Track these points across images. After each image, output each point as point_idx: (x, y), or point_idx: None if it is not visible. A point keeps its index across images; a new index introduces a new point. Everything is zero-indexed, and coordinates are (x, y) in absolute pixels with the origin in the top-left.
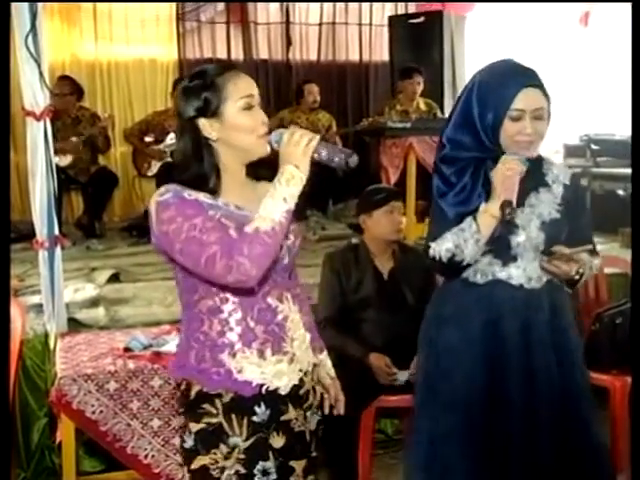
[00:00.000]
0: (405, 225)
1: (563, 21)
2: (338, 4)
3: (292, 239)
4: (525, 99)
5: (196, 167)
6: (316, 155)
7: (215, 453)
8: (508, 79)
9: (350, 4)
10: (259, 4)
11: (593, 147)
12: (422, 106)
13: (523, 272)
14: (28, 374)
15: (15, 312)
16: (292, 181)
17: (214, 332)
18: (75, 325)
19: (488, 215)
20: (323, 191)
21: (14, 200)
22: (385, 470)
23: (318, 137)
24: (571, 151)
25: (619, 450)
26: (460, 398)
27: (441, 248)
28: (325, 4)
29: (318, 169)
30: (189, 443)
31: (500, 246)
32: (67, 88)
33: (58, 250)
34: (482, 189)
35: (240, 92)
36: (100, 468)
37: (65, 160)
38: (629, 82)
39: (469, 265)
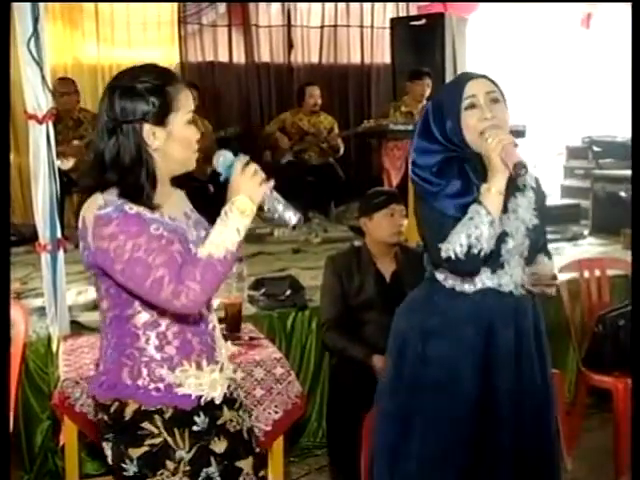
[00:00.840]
0: (407, 227)
1: (565, 23)
2: (340, 6)
3: None
4: (474, 86)
5: (134, 175)
6: (267, 200)
7: (162, 473)
8: (455, 82)
9: (352, 6)
10: (260, 7)
11: (595, 149)
12: None
13: (510, 279)
14: (31, 377)
15: (18, 315)
16: (246, 213)
17: (151, 347)
18: (78, 328)
19: (494, 193)
20: (325, 194)
21: (16, 203)
22: None
23: (272, 182)
24: (573, 153)
25: (622, 452)
26: (455, 411)
27: (454, 246)
28: (327, 6)
29: (320, 172)
30: (132, 470)
31: (490, 253)
32: (71, 87)
33: (61, 253)
34: (472, 184)
35: (188, 105)
36: (103, 471)
37: (67, 163)
38: (630, 84)
39: (486, 257)
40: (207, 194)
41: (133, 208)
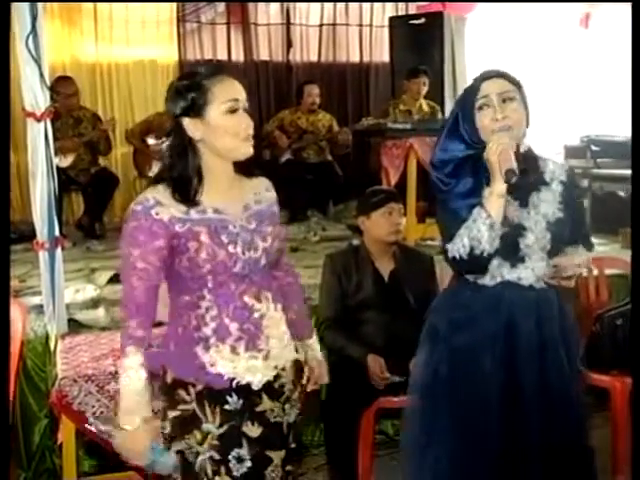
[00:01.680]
0: (405, 226)
1: (564, 23)
2: (339, 5)
3: (269, 241)
4: (488, 87)
5: (180, 167)
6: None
7: (189, 439)
8: (472, 82)
9: (351, 5)
10: (259, 5)
11: (593, 148)
12: (425, 107)
13: (532, 272)
14: (29, 375)
15: (16, 313)
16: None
17: (191, 326)
18: (76, 326)
19: (494, 196)
20: (324, 192)
21: (15, 201)
22: (386, 471)
23: None
24: (571, 152)
25: (619, 451)
26: (479, 401)
27: (458, 246)
28: (326, 5)
29: (319, 171)
30: (167, 429)
31: (508, 248)
32: (72, 87)
33: (59, 251)
34: (486, 184)
35: (225, 95)
36: (100, 469)
37: (66, 161)
38: (629, 84)
39: (490, 256)
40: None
41: (160, 213)
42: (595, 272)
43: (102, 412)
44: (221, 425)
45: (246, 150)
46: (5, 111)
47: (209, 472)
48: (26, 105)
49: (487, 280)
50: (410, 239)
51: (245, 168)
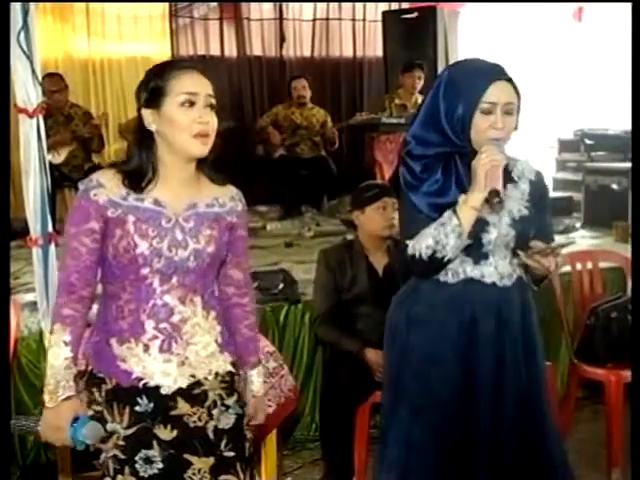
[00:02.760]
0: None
1: (557, 16)
2: None
3: (202, 244)
4: (497, 92)
5: (136, 157)
6: None
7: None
8: (478, 73)
9: None
10: None
11: (587, 142)
12: (420, 102)
13: (495, 270)
14: (23, 372)
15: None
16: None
17: (110, 316)
18: None
19: (469, 207)
20: (318, 187)
21: None
22: None
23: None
24: (565, 146)
25: (614, 444)
26: (435, 399)
27: (421, 246)
28: None
29: (313, 166)
30: None
31: (471, 244)
32: (61, 84)
33: (52, 248)
34: (455, 183)
35: (182, 88)
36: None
37: (59, 158)
38: (623, 77)
39: (449, 261)
40: None
41: (97, 194)
42: (589, 265)
43: None
44: (129, 426)
45: (197, 149)
46: (5, 113)
47: (111, 471)
48: (18, 101)
49: (449, 277)
50: None
51: (210, 171)
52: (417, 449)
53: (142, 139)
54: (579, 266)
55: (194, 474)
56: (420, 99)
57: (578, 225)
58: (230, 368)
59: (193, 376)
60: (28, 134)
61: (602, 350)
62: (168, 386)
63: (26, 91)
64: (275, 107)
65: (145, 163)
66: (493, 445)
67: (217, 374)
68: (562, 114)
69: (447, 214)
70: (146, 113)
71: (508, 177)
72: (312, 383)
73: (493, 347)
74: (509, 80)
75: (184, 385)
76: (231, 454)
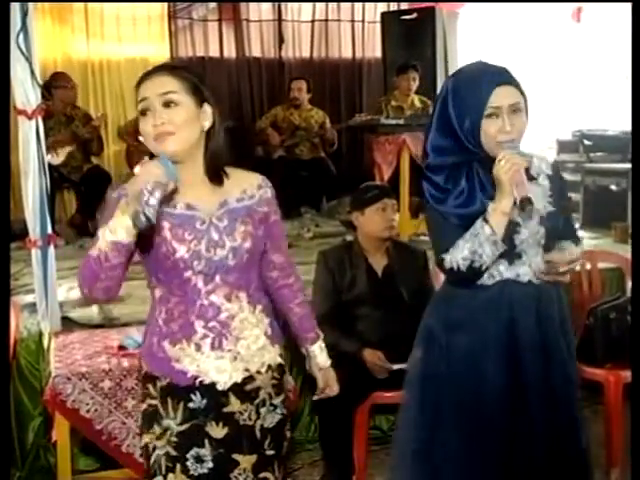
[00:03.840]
0: (399, 221)
1: (555, 17)
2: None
3: (239, 241)
4: (499, 96)
5: None
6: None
7: (151, 433)
8: (481, 80)
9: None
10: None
11: (586, 142)
12: (417, 103)
13: (529, 268)
14: (22, 373)
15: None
16: (121, 211)
17: (161, 319)
18: (69, 324)
19: (499, 213)
20: (317, 188)
21: None
22: (380, 466)
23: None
24: (564, 147)
25: (613, 445)
26: (480, 402)
27: (457, 258)
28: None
29: (312, 167)
30: (140, 422)
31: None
32: (69, 81)
33: (51, 249)
34: (480, 191)
35: (138, 97)
36: (95, 467)
37: (57, 159)
38: (622, 77)
39: (487, 268)
40: None
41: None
42: (588, 266)
43: (96, 410)
44: (182, 422)
45: (160, 149)
46: (5, 113)
47: (162, 468)
48: (17, 103)
49: (485, 279)
50: (403, 234)
51: (211, 176)
52: (462, 454)
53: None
54: (578, 267)
55: (240, 474)
56: (417, 99)
57: (577, 226)
58: (280, 360)
59: (247, 370)
60: (27, 135)
61: (601, 351)
62: (224, 382)
63: (25, 93)
64: (274, 108)
65: None
66: (543, 440)
67: (270, 367)
68: (561, 115)
69: (479, 223)
70: None
71: (528, 176)
72: (311, 384)
73: (537, 344)
74: (512, 83)
75: (239, 379)
76: (272, 452)
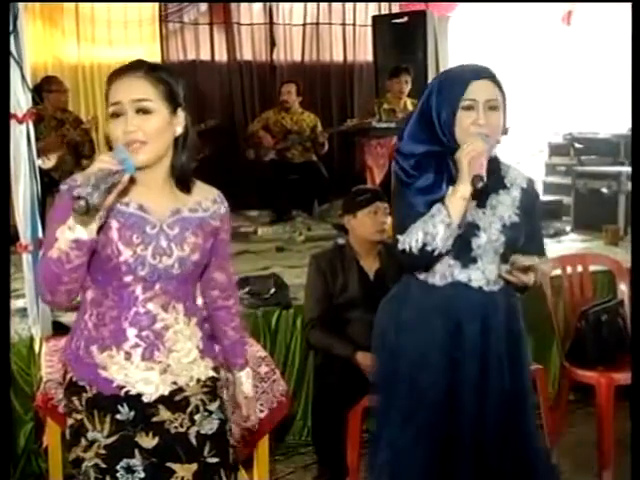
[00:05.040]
0: (390, 225)
1: (546, 20)
2: (322, 4)
3: (187, 252)
4: (477, 89)
5: None
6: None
7: (80, 446)
8: (461, 74)
9: (334, 4)
10: (242, 5)
11: (577, 145)
12: (410, 106)
13: (482, 274)
14: (13, 378)
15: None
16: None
17: (91, 322)
18: (60, 328)
19: (458, 197)
20: (309, 192)
21: None
22: None
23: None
24: (555, 150)
25: (604, 447)
26: (422, 401)
27: (411, 239)
28: (309, 4)
29: (303, 171)
30: (67, 435)
31: (460, 247)
32: (61, 85)
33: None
34: (446, 181)
35: (110, 99)
36: None
37: (49, 163)
38: (613, 80)
39: (440, 255)
40: None
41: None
42: (579, 269)
43: None
44: (110, 435)
45: (136, 158)
46: (5, 114)
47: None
48: None
49: (437, 279)
50: None
51: (180, 183)
52: (405, 452)
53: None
54: (569, 269)
55: None
56: (409, 102)
57: (568, 229)
58: (212, 373)
59: (175, 383)
60: (18, 140)
61: (592, 353)
62: (150, 394)
63: (16, 97)
64: (266, 112)
65: None
66: (477, 446)
67: (199, 380)
68: (552, 118)
69: (436, 206)
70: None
71: (500, 183)
72: (304, 387)
73: (478, 351)
74: (491, 78)
75: (166, 392)
76: (215, 460)
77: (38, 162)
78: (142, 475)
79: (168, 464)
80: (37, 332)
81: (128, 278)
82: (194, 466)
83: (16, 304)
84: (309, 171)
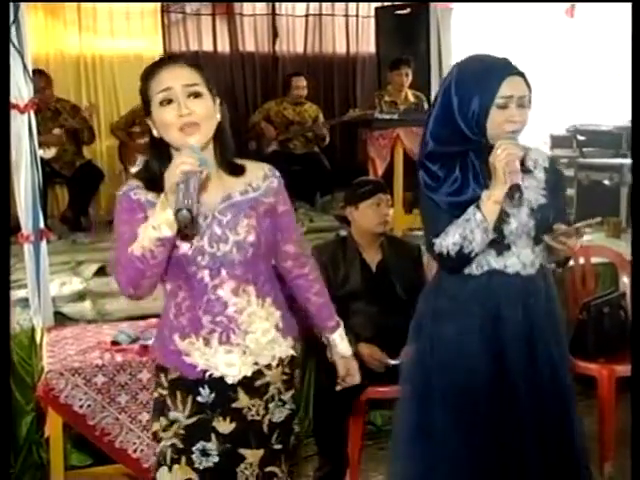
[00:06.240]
0: (393, 217)
1: (549, 12)
2: None
3: (242, 235)
4: (511, 86)
5: (151, 165)
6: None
7: (158, 423)
8: (491, 69)
9: None
10: None
11: (579, 138)
12: (411, 98)
13: (518, 259)
14: (15, 369)
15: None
16: (161, 207)
17: (171, 313)
18: (62, 319)
19: (492, 202)
20: (311, 183)
21: None
22: (374, 461)
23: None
24: (557, 142)
25: (606, 439)
26: (462, 390)
27: (447, 243)
28: None
29: (305, 162)
30: (151, 409)
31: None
32: (43, 81)
33: (44, 244)
34: (473, 180)
35: (158, 87)
36: (88, 462)
37: (49, 152)
38: (615, 73)
39: (476, 255)
40: None
41: (137, 194)
42: (581, 261)
43: (89, 405)
44: (190, 416)
45: (182, 140)
46: (5, 113)
47: (168, 459)
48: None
49: (473, 269)
50: (397, 229)
51: (231, 167)
52: (447, 441)
53: (152, 146)
54: (571, 261)
55: (246, 468)
56: (410, 94)
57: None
58: (292, 352)
59: (256, 363)
60: (19, 130)
61: (594, 345)
62: (233, 376)
63: (17, 87)
64: (267, 103)
65: (156, 170)
66: (524, 434)
67: (281, 360)
68: (554, 110)
69: (471, 210)
70: (149, 121)
71: (523, 168)
72: (306, 379)
73: (522, 336)
74: (520, 74)
75: (249, 373)
76: (279, 447)
77: (39, 152)
78: (216, 459)
79: (240, 450)
80: (39, 322)
81: (192, 268)
82: (261, 452)
83: (18, 294)
84: (311, 162)
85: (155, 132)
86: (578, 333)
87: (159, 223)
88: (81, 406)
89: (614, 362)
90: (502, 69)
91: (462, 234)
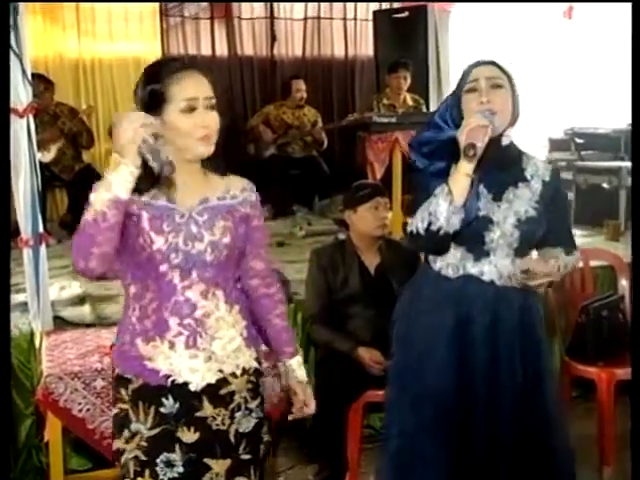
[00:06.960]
0: (391, 220)
1: (547, 14)
2: None
3: (218, 235)
4: (478, 71)
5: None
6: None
7: (120, 438)
8: (466, 67)
9: None
10: None
11: (578, 141)
12: (409, 101)
13: (495, 268)
14: (14, 373)
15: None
16: (114, 166)
17: (135, 317)
18: (61, 323)
19: (459, 174)
20: (309, 187)
21: None
22: (373, 464)
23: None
24: (556, 145)
25: (605, 443)
26: (430, 392)
27: (417, 220)
28: None
29: (304, 166)
30: (112, 427)
31: (474, 241)
32: (42, 85)
33: (43, 248)
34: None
35: (182, 94)
36: (88, 466)
37: (48, 156)
38: (614, 75)
39: (448, 235)
40: None
41: None
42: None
43: (88, 409)
44: (153, 427)
45: (202, 150)
46: (5, 113)
47: (131, 472)
48: None
49: (450, 272)
50: (396, 233)
51: (214, 166)
52: (415, 440)
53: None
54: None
55: (212, 478)
56: (409, 97)
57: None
58: (256, 365)
59: (221, 371)
60: (18, 134)
61: (593, 348)
62: (196, 383)
63: (16, 91)
64: (266, 107)
65: (146, 166)
66: (489, 434)
67: (244, 370)
68: (553, 113)
69: (440, 186)
70: (152, 119)
71: (520, 176)
72: None
73: (486, 345)
74: (493, 63)
75: (212, 380)
76: (247, 457)
77: (38, 156)
78: (181, 470)
79: (205, 460)
80: (38, 326)
81: (164, 267)
82: (228, 462)
83: (17, 298)
84: (310, 166)
85: (157, 131)
86: (577, 336)
87: (111, 182)
88: (80, 410)
89: (613, 365)
90: (474, 62)
91: (429, 209)
